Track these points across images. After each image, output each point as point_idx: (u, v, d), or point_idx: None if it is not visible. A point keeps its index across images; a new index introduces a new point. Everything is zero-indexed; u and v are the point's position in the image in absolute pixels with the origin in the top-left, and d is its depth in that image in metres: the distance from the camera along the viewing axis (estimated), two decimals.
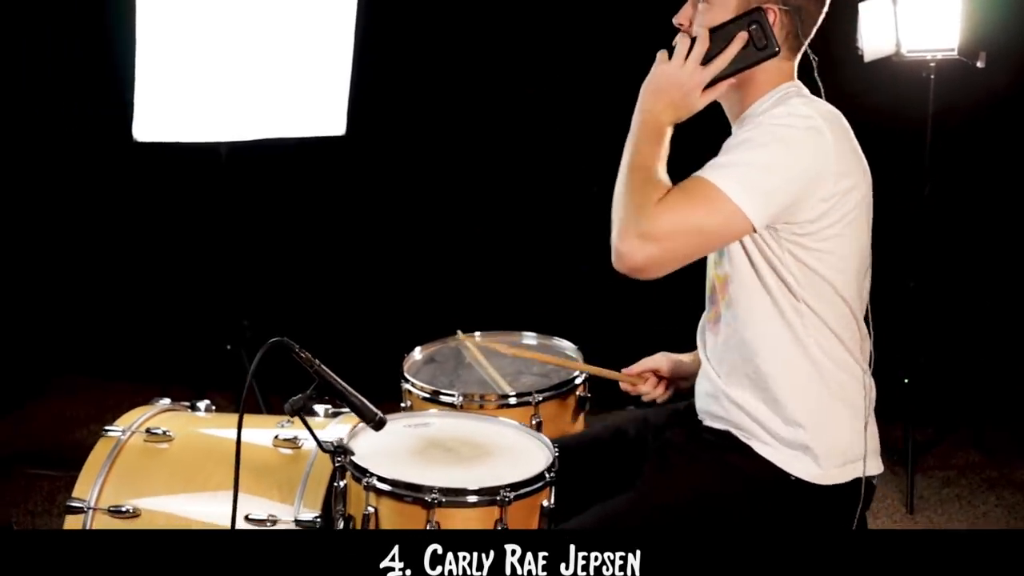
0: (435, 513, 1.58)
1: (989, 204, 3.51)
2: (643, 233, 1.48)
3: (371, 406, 1.66)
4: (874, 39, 3.04)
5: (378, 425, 1.67)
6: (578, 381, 2.16)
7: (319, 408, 2.14)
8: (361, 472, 1.64)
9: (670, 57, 1.58)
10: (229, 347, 3.20)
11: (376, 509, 1.62)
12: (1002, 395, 3.53)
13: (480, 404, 2.08)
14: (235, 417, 2.17)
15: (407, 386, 2.17)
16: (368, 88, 3.12)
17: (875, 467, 1.64)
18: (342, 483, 1.70)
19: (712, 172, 1.51)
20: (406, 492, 1.60)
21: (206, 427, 2.12)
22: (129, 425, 2.07)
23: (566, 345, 2.34)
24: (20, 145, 3.77)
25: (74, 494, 1.96)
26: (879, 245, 3.73)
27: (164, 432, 2.04)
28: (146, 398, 2.22)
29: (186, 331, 3.68)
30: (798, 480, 1.58)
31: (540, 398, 2.08)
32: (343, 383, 1.65)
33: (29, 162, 3.81)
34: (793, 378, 1.58)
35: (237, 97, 2.85)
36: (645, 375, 1.92)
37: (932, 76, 3.01)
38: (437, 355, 2.34)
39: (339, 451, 1.69)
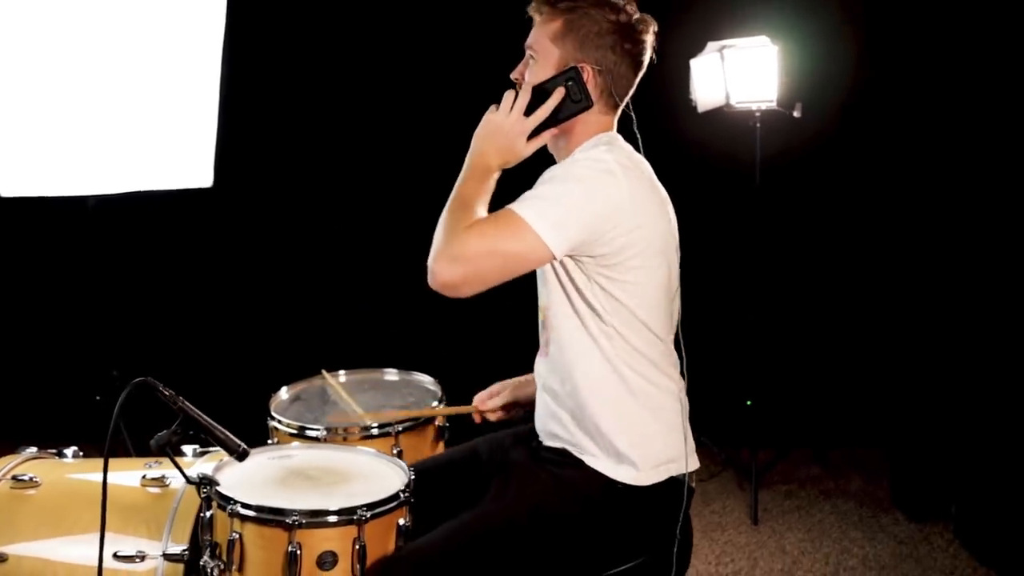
0: (296, 534, 1.69)
1: (814, 238, 3.85)
2: (452, 255, 1.65)
3: (234, 438, 1.77)
4: (705, 92, 3.34)
5: (241, 456, 1.77)
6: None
7: (187, 448, 2.22)
8: (225, 500, 1.74)
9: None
10: (98, 397, 3.22)
11: (240, 535, 1.72)
12: (838, 415, 3.85)
13: (344, 437, 2.20)
14: (101, 461, 2.26)
15: (273, 423, 2.28)
16: (234, 141, 3.23)
17: (692, 464, 1.83)
18: (208, 513, 1.80)
19: (518, 204, 1.69)
20: (268, 516, 1.70)
21: (73, 472, 2.18)
22: None
23: (425, 379, 2.49)
24: None
25: None
26: (719, 283, 4.02)
27: (31, 478, 2.08)
28: (11, 448, 2.25)
29: (55, 384, 3.66)
30: (624, 486, 1.76)
31: (400, 429, 2.23)
32: (207, 418, 1.76)
33: None
34: (605, 393, 1.77)
35: (103, 151, 2.91)
36: (497, 405, 2.10)
37: (758, 125, 3.32)
38: (303, 394, 2.46)
39: (205, 482, 1.78)
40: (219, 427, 1.77)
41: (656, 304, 1.78)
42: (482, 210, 1.72)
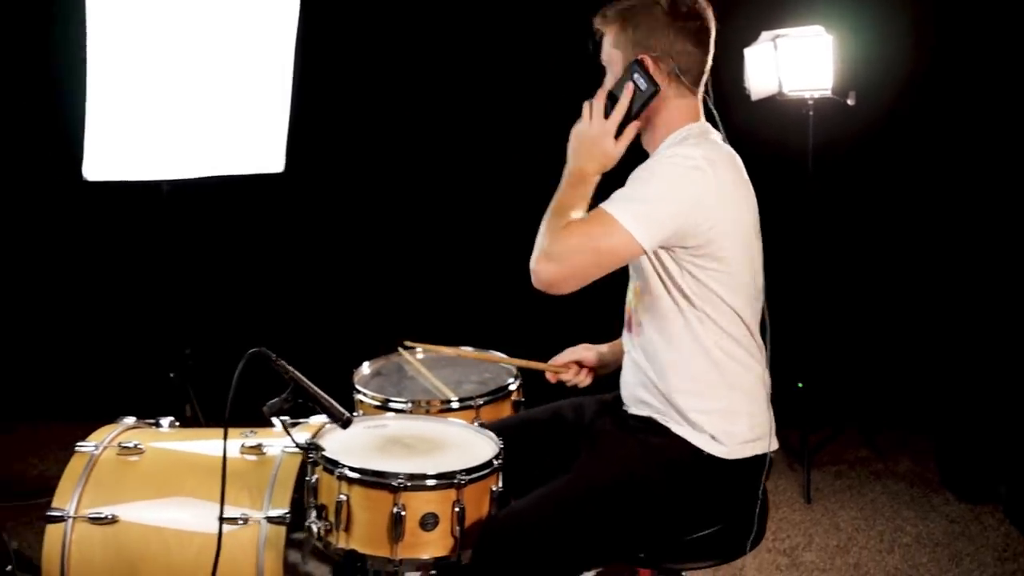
0: (401, 496, 1.80)
1: (866, 225, 3.91)
2: (550, 254, 1.77)
3: (339, 407, 1.88)
4: (759, 80, 3.41)
5: (346, 424, 1.88)
6: (512, 387, 2.41)
7: (276, 421, 2.32)
8: (333, 464, 1.85)
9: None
10: (172, 375, 3.34)
11: (348, 496, 1.83)
12: (887, 398, 3.92)
13: (427, 410, 2.31)
14: (200, 431, 2.41)
15: (359, 396, 2.39)
16: (306, 126, 3.33)
17: (773, 444, 1.93)
18: (314, 477, 1.91)
19: (608, 203, 1.80)
20: (375, 479, 1.81)
21: (172, 440, 2.29)
22: (101, 440, 2.23)
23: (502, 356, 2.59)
24: None
25: (54, 504, 2.11)
26: (773, 266, 4.11)
27: (135, 445, 2.20)
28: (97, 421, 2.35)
29: (130, 362, 3.80)
30: (709, 455, 1.86)
31: (481, 402, 2.33)
32: (315, 387, 1.87)
33: None
34: (696, 376, 1.87)
35: (182, 136, 3.02)
36: (569, 365, 2.18)
37: (811, 113, 3.39)
38: (383, 369, 2.57)
39: (312, 448, 1.89)
40: (326, 396, 1.89)
41: (742, 290, 1.87)
42: (579, 214, 1.82)
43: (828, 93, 3.31)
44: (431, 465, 1.87)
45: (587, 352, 2.18)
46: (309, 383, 1.87)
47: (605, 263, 1.80)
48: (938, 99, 3.72)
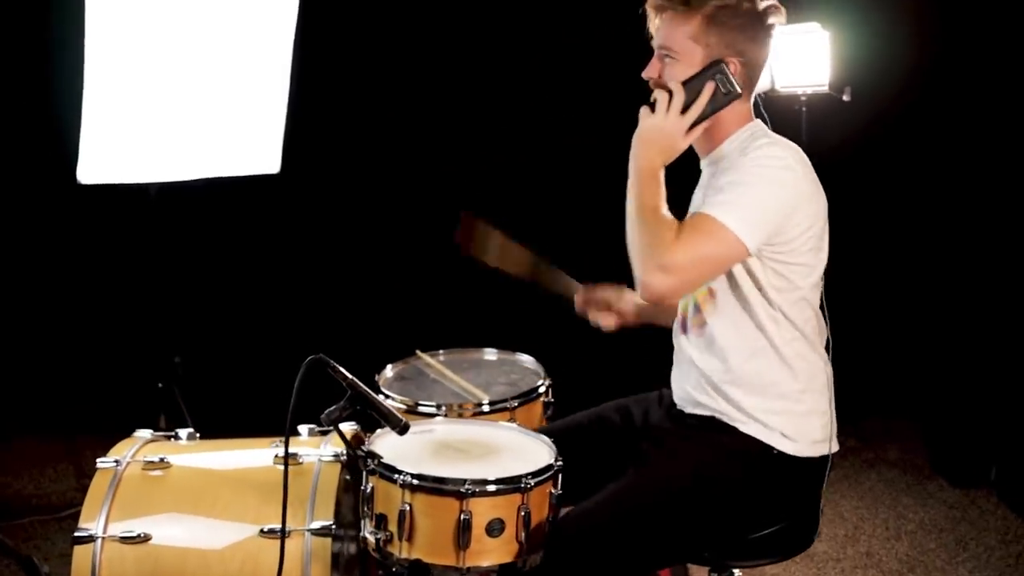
0: (468, 503, 1.75)
1: (855, 220, 3.96)
2: (663, 266, 1.74)
3: (397, 413, 1.83)
4: None
5: (403, 430, 1.83)
6: (542, 388, 2.38)
7: (303, 428, 2.25)
8: (393, 472, 1.79)
9: (652, 111, 1.82)
10: (161, 384, 3.23)
11: (411, 505, 1.77)
12: (871, 387, 3.99)
13: (459, 413, 2.26)
14: (224, 442, 2.30)
15: (388, 401, 2.32)
16: (303, 126, 3.25)
17: (834, 446, 1.94)
18: (369, 487, 1.84)
19: (714, 211, 1.77)
20: (441, 486, 1.76)
21: (197, 453, 2.20)
22: (122, 456, 2.12)
23: (527, 359, 2.55)
24: None
25: (80, 524, 2.00)
26: None
27: (161, 459, 2.10)
28: (86, 440, 2.22)
29: (117, 371, 3.66)
30: (780, 452, 1.85)
31: (516, 404, 2.29)
32: (373, 394, 1.81)
33: None
34: (770, 376, 1.86)
35: (178, 138, 2.92)
36: (603, 302, 2.17)
37: (804, 109, 3.42)
38: (404, 373, 2.51)
39: (369, 456, 1.83)
40: (383, 403, 1.83)
41: (817, 280, 1.88)
42: (669, 214, 1.80)
43: (824, 89, 3.35)
44: (492, 470, 1.83)
45: (620, 295, 2.16)
46: (367, 389, 1.81)
47: (715, 271, 1.82)
48: (935, 97, 3.78)
